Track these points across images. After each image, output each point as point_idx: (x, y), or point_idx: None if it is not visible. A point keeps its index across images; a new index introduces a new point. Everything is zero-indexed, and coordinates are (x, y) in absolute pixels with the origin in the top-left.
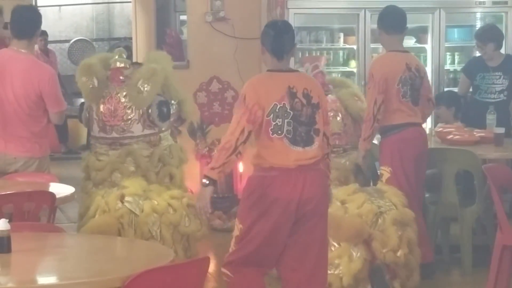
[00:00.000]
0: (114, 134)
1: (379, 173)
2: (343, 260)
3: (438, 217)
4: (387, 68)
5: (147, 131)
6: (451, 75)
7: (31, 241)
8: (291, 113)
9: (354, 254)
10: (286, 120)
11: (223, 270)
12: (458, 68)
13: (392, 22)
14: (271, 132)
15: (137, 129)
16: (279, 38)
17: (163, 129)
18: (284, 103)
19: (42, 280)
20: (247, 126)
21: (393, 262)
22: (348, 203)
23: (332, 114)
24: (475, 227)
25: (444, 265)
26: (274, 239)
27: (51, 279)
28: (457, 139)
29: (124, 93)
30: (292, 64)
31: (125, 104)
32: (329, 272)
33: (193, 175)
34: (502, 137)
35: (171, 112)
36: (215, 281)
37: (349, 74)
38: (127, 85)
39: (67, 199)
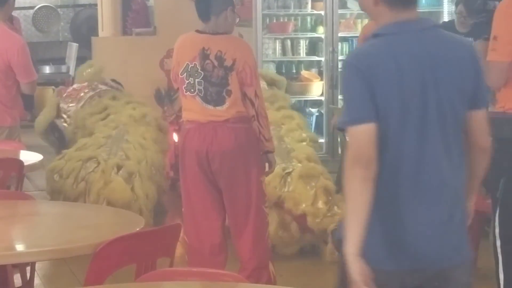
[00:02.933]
0: None
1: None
2: None
3: None
4: None
5: None
6: None
7: (0, 209)
8: (202, 73)
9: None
10: (197, 80)
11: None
12: None
13: None
14: (184, 90)
15: None
16: (201, 0)
17: None
18: (195, 63)
19: (12, 247)
20: (174, 84)
21: (315, 214)
22: None
23: None
24: None
25: None
26: (199, 189)
27: (22, 247)
28: None
29: None
30: (259, 30)
31: None
32: None
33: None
34: None
35: None
36: (183, 248)
37: (317, 41)
38: None
39: (35, 166)
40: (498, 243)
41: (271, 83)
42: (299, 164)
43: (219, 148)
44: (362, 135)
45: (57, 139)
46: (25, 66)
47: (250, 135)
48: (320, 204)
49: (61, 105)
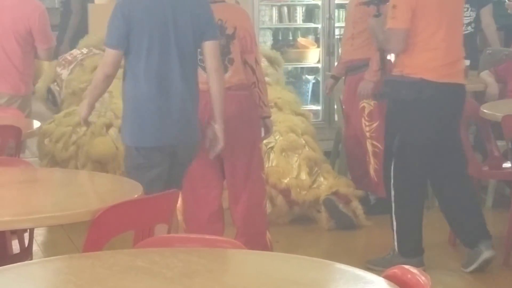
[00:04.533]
0: None
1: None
2: None
3: None
4: None
5: None
6: None
7: None
8: None
9: None
10: (199, 50)
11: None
12: None
13: None
14: None
15: None
16: None
17: None
18: None
19: (10, 214)
20: None
21: (298, 186)
22: None
23: None
24: None
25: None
26: (198, 157)
27: (20, 213)
28: None
29: None
30: None
31: None
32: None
33: None
34: (467, 70)
35: None
36: (181, 215)
37: (314, 7)
38: None
39: (33, 133)
40: (393, 193)
41: (270, 61)
42: (281, 138)
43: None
44: (112, 56)
45: (51, 103)
46: (45, 32)
47: (251, 102)
48: (303, 176)
49: (57, 68)
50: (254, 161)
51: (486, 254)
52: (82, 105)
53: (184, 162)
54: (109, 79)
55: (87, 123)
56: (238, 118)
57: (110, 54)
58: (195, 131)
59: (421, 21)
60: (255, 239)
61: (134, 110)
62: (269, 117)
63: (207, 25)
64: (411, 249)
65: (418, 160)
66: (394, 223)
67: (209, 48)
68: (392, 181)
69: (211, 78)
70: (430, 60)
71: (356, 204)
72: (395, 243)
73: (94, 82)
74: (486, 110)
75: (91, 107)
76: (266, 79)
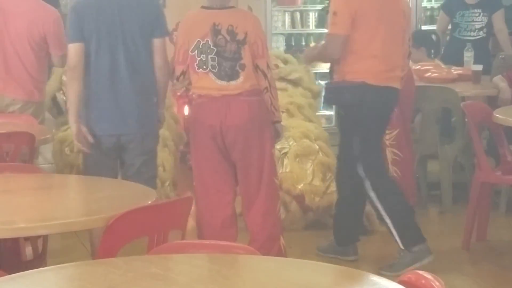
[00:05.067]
0: None
1: None
2: None
3: (417, 155)
4: None
5: None
6: (428, 13)
7: (12, 182)
8: (215, 49)
9: None
10: (210, 56)
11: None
12: (435, 5)
13: None
14: (196, 67)
15: None
16: None
17: None
18: (207, 40)
19: (24, 221)
20: (177, 68)
21: (312, 192)
22: None
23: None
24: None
25: (422, 203)
26: (211, 163)
27: (34, 220)
28: (435, 77)
29: None
30: (269, 2)
31: None
32: None
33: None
34: (479, 74)
35: None
36: (194, 221)
37: (326, 13)
38: None
39: (47, 140)
40: (373, 194)
41: (285, 62)
42: (295, 143)
43: (233, 121)
44: (73, 49)
45: (56, 112)
46: (60, 38)
47: (263, 107)
48: (317, 182)
49: (63, 77)
50: (267, 166)
51: (353, 257)
52: (70, 122)
53: (141, 151)
54: (75, 71)
55: (79, 139)
56: (250, 123)
57: (71, 48)
58: (147, 122)
59: (359, 29)
60: (268, 245)
61: (88, 100)
62: (279, 122)
63: (155, 23)
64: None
65: (380, 158)
66: (388, 221)
67: (156, 45)
68: (369, 182)
69: (156, 75)
70: (370, 66)
71: (369, 210)
72: (397, 240)
73: (66, 84)
74: (499, 115)
75: (75, 118)
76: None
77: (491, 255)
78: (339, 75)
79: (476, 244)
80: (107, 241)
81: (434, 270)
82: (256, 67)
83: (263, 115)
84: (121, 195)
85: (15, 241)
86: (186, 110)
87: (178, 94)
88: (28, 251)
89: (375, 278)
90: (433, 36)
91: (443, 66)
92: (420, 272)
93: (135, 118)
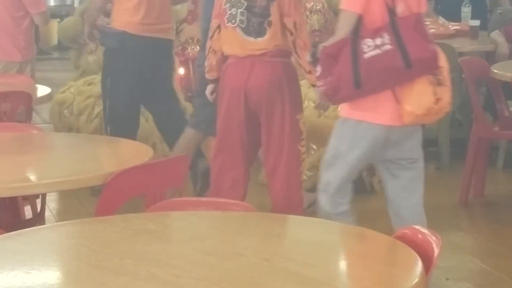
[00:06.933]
0: None
1: None
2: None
3: None
4: None
5: None
6: None
7: (11, 142)
8: (245, 3)
9: None
10: (239, 10)
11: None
12: None
13: None
14: (226, 21)
15: None
16: None
17: None
18: None
19: (23, 179)
20: (214, 22)
21: None
22: None
23: (311, 5)
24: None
25: None
26: (233, 125)
27: (32, 179)
28: (432, 33)
29: None
30: None
31: None
32: (310, 173)
33: None
34: (477, 30)
35: None
36: None
37: None
38: None
39: (43, 99)
40: (109, 128)
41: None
42: None
43: (256, 83)
44: None
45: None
46: None
47: (288, 70)
48: None
49: None
50: (287, 132)
51: None
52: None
53: None
54: None
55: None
56: (272, 85)
57: None
58: None
59: None
60: (289, 213)
61: None
62: (314, 85)
63: None
64: None
65: (126, 99)
66: None
67: None
68: (107, 118)
69: None
70: (131, 16)
71: (378, 180)
72: None
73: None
74: (496, 70)
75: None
76: None
77: (489, 210)
78: (108, 21)
79: (473, 200)
80: (105, 199)
81: (431, 226)
82: (284, 26)
83: (288, 78)
84: (119, 153)
85: (13, 200)
86: (181, 70)
87: (176, 51)
88: (27, 210)
89: (371, 232)
90: None
91: (440, 22)
92: (417, 227)
93: None
